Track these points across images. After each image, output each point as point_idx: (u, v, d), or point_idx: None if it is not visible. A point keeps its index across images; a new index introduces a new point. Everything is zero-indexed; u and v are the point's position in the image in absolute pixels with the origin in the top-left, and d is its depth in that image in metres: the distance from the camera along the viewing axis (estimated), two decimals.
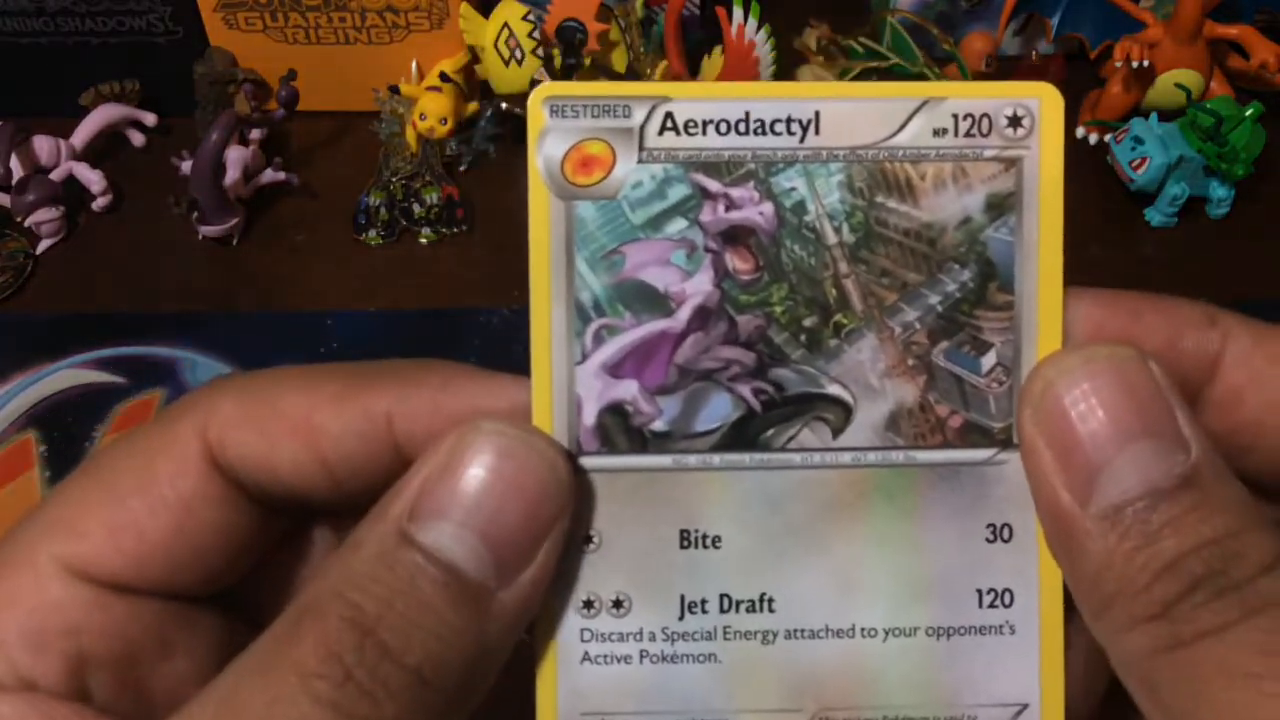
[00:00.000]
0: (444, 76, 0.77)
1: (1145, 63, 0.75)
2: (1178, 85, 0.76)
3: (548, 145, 0.24)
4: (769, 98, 0.24)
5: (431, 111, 0.75)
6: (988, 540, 0.25)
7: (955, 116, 0.24)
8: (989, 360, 0.25)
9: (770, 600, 0.24)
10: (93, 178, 0.76)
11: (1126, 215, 0.75)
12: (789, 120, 0.24)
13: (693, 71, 0.79)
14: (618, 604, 0.24)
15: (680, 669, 0.24)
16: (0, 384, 0.66)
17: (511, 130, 0.79)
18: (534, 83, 0.76)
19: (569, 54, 0.74)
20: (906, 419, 0.25)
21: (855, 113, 0.24)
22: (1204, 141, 0.71)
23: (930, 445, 0.25)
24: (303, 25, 0.78)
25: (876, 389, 0.25)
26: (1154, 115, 0.74)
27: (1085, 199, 0.75)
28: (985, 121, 0.24)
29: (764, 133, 0.24)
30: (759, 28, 0.75)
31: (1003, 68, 0.81)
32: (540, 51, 0.75)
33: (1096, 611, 0.23)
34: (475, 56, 0.79)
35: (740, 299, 0.25)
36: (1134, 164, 0.72)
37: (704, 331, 0.25)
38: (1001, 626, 0.25)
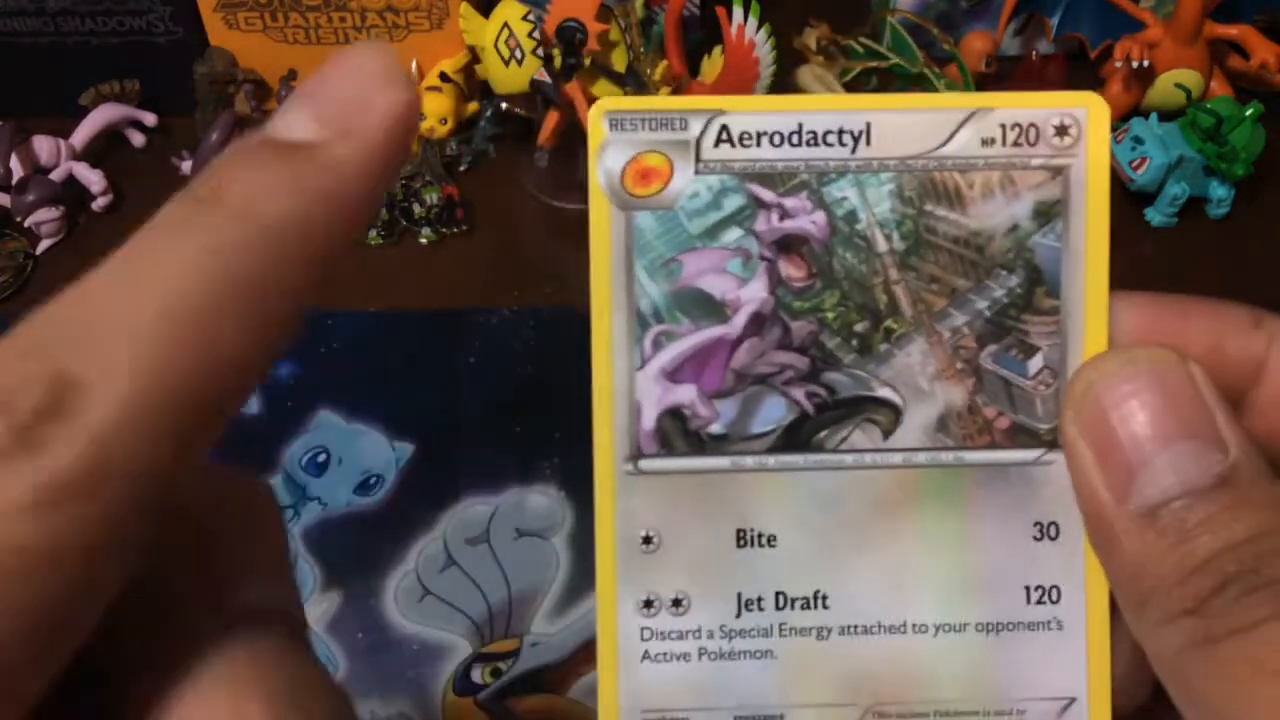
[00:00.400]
0: (444, 76, 0.77)
1: (1145, 63, 0.75)
2: (1178, 85, 0.77)
3: (608, 158, 0.24)
4: (821, 110, 0.25)
5: (431, 111, 0.75)
6: (1035, 538, 0.25)
7: (1003, 126, 0.25)
8: (1036, 363, 0.25)
9: (824, 597, 0.25)
10: (93, 178, 0.76)
11: (1126, 215, 0.75)
12: (841, 132, 0.25)
13: (693, 72, 0.79)
14: (677, 603, 0.25)
15: (737, 665, 0.25)
16: None
17: (511, 130, 0.79)
18: (534, 83, 0.76)
19: (569, 54, 0.74)
20: (955, 421, 0.25)
21: (905, 124, 0.25)
22: (1204, 141, 0.71)
23: (978, 446, 0.25)
24: (303, 25, 0.78)
25: (926, 391, 0.25)
26: (1154, 115, 0.74)
27: None
28: (1033, 131, 0.25)
29: (816, 144, 0.25)
30: (759, 28, 0.75)
31: (1003, 68, 0.82)
32: (540, 51, 0.75)
33: (1133, 608, 0.23)
34: (475, 56, 0.79)
35: (794, 305, 0.25)
36: (1134, 164, 0.73)
37: (759, 337, 0.25)
38: (1049, 622, 0.25)
